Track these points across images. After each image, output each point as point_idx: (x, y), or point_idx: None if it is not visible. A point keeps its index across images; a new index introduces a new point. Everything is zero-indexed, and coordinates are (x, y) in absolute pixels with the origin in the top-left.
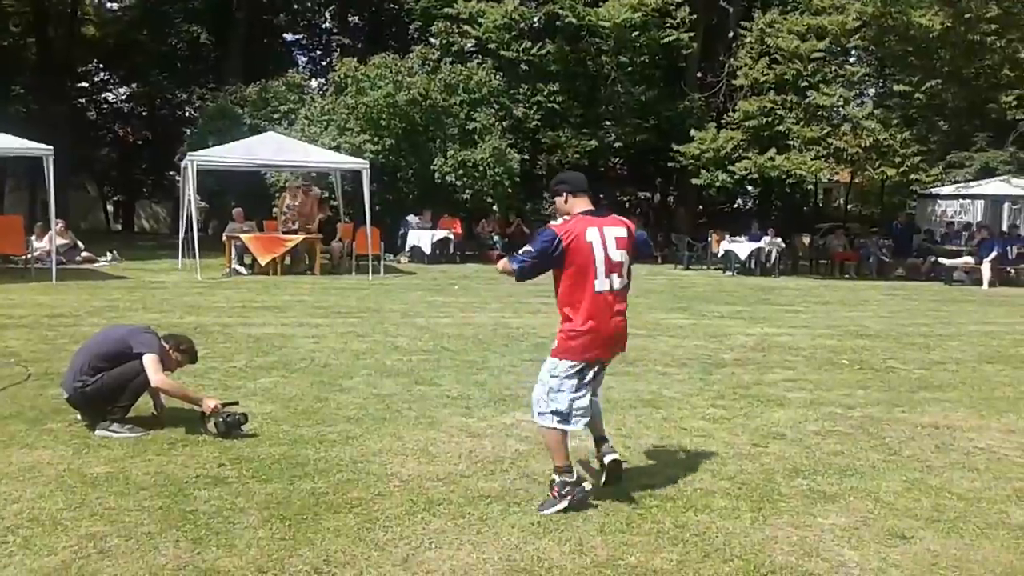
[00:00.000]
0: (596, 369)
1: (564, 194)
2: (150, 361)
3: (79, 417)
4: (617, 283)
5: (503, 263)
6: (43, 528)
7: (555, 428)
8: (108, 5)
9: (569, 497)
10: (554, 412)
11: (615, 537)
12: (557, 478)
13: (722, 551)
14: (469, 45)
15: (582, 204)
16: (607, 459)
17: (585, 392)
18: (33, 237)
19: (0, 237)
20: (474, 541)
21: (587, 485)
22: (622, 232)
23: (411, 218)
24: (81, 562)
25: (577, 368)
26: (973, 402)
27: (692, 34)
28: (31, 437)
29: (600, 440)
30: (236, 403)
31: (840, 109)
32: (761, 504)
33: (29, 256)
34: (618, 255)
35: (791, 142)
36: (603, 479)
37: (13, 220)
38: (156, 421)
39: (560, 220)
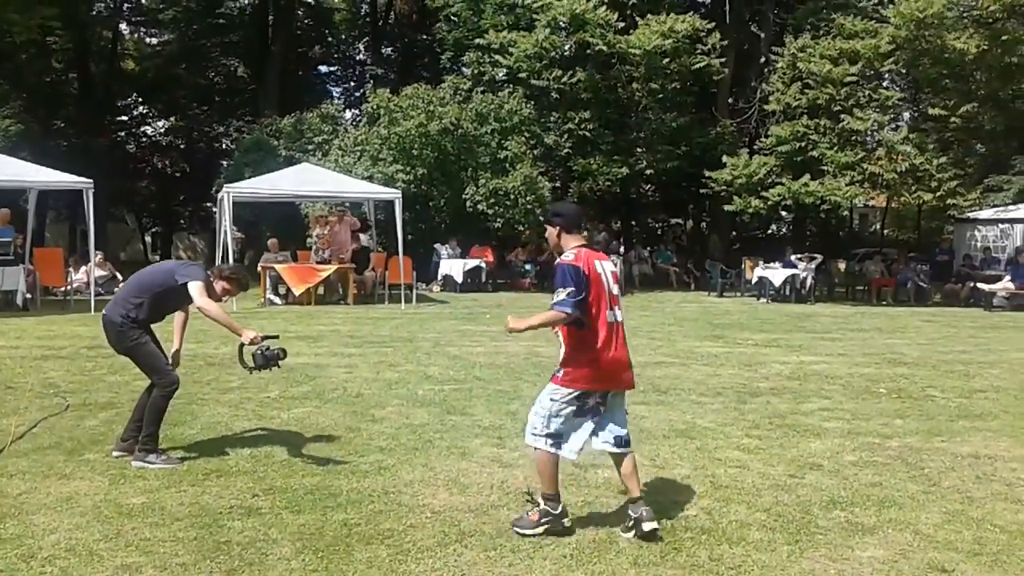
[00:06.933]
0: (600, 402)
1: (557, 227)
2: (195, 288)
3: (114, 454)
4: (620, 315)
5: (524, 321)
6: (80, 559)
7: (547, 451)
8: (147, 40)
9: (547, 527)
10: (548, 435)
11: (649, 570)
12: (542, 503)
13: None
14: (500, 74)
15: (575, 240)
16: (645, 527)
17: (583, 421)
18: (71, 269)
19: (41, 269)
20: (506, 574)
21: (567, 521)
22: (613, 267)
23: (439, 247)
24: None
25: (577, 395)
26: (1015, 431)
27: (723, 60)
28: (69, 468)
29: (635, 500)
30: (277, 337)
31: (875, 134)
32: (798, 536)
33: (68, 288)
34: (615, 288)
35: (825, 167)
36: (631, 534)
37: (53, 252)
38: (190, 451)
39: (571, 255)
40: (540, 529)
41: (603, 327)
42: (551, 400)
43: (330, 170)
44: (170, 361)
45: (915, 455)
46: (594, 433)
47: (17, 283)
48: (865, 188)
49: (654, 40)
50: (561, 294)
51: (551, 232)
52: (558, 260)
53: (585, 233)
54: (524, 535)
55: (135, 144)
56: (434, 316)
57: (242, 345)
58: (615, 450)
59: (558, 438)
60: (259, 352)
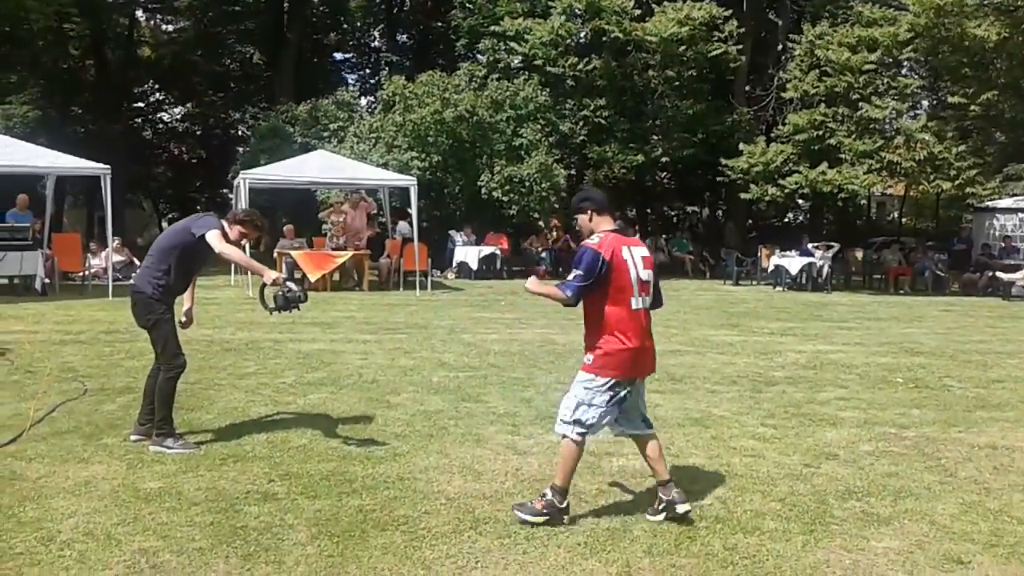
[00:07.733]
0: (629, 390)
1: (588, 212)
2: (212, 236)
3: (132, 438)
4: (647, 302)
5: (539, 286)
6: (98, 543)
7: (573, 439)
8: (163, 27)
9: (549, 518)
10: (577, 421)
11: (663, 559)
12: (549, 494)
13: (773, 575)
14: (515, 61)
15: (606, 222)
16: (679, 508)
17: (614, 409)
18: (89, 254)
19: (59, 254)
20: (520, 561)
21: (566, 519)
22: (646, 252)
23: (454, 234)
24: None
25: (611, 384)
26: None
27: (740, 47)
28: (87, 452)
29: (665, 483)
30: (300, 280)
31: (893, 122)
32: (813, 526)
33: (86, 273)
34: (645, 274)
35: (843, 155)
36: (661, 516)
37: (72, 238)
38: (207, 436)
39: (596, 239)
40: (540, 519)
41: (627, 314)
42: (585, 389)
43: (345, 157)
44: (184, 319)
45: (932, 445)
46: (617, 420)
47: (36, 268)
48: (883, 176)
49: (670, 27)
50: (570, 275)
51: (583, 219)
52: (584, 242)
53: (619, 220)
54: (523, 520)
55: (151, 130)
56: (449, 303)
57: (263, 286)
58: (645, 431)
59: (586, 426)
60: (280, 294)
